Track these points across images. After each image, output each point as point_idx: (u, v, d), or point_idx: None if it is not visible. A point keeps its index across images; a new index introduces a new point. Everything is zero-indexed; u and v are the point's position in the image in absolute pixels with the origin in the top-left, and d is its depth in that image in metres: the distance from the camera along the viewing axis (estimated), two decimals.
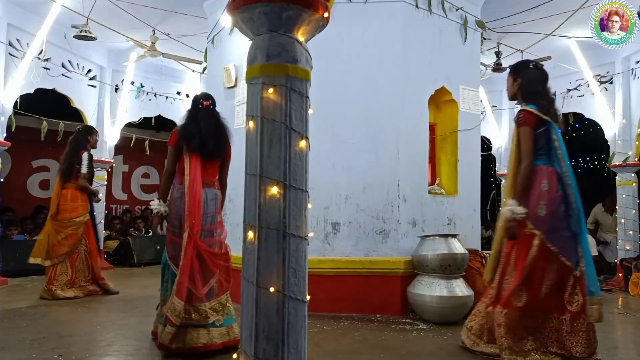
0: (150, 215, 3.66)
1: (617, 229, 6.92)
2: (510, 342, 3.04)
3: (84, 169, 5.26)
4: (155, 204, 3.39)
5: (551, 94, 3.34)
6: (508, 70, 3.48)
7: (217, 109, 3.55)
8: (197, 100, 3.51)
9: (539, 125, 3.19)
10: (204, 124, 3.36)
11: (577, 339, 3.02)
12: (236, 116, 5.21)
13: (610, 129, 6.92)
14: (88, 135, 5.50)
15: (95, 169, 6.54)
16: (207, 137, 3.33)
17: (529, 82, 3.30)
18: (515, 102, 3.41)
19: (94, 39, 6.06)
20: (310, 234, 1.66)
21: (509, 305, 3.07)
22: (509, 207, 3.11)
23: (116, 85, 8.03)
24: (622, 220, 6.71)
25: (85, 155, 5.31)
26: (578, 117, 7.80)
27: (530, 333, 3.06)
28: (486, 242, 8.84)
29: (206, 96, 3.55)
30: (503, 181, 8.92)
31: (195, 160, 3.30)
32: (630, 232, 6.61)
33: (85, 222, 5.36)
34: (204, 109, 3.45)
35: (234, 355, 1.66)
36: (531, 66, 3.39)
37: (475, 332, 3.33)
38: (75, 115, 7.68)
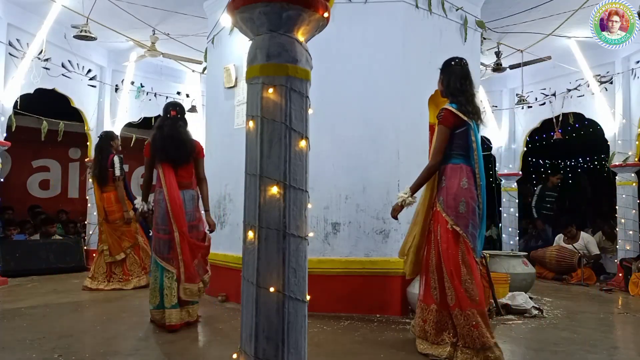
0: (147, 214, 4.16)
1: (618, 240, 6.93)
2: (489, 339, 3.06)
3: (117, 172, 5.66)
4: (138, 202, 3.96)
5: (472, 90, 3.35)
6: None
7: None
8: (166, 109, 3.95)
9: (458, 125, 3.23)
10: (168, 135, 3.81)
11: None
12: (236, 116, 5.21)
13: (610, 129, 6.92)
14: (110, 141, 5.86)
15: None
16: (171, 149, 3.78)
17: (449, 79, 3.34)
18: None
19: (94, 39, 6.05)
20: (310, 234, 1.66)
21: (477, 304, 3.10)
22: (402, 194, 3.28)
23: (116, 85, 8.03)
24: (622, 220, 6.71)
25: (116, 159, 5.70)
26: (578, 117, 7.80)
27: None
28: (486, 242, 8.85)
29: (174, 105, 3.97)
30: (503, 181, 8.92)
31: (168, 169, 3.76)
32: (630, 232, 6.61)
33: (132, 217, 5.77)
34: (170, 118, 3.88)
35: (234, 355, 1.66)
36: (452, 63, 3.41)
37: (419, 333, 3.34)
38: (75, 115, 7.69)
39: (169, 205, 3.69)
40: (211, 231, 4.02)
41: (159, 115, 8.90)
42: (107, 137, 5.89)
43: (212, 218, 4.07)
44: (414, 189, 3.31)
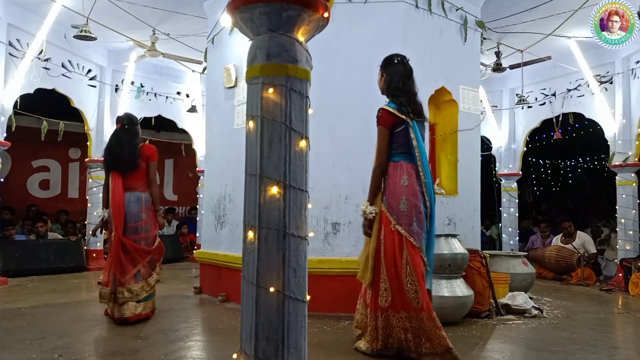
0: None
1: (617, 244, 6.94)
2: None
3: None
4: (99, 211, 4.22)
5: (414, 89, 3.29)
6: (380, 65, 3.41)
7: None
8: (115, 123, 4.31)
9: (397, 124, 3.18)
10: (109, 146, 4.19)
11: (430, 337, 2.99)
12: (236, 116, 5.21)
13: (610, 129, 6.92)
14: None
15: (95, 170, 6.63)
16: (112, 159, 4.10)
17: (392, 77, 3.26)
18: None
19: (94, 39, 6.06)
20: (310, 234, 1.65)
21: (419, 308, 3.05)
22: (362, 207, 3.21)
23: (116, 85, 8.03)
24: (622, 220, 6.71)
25: None
26: (578, 117, 7.80)
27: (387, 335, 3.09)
28: (486, 242, 8.85)
29: (119, 119, 4.26)
30: (503, 181, 8.92)
31: (116, 174, 4.06)
32: (630, 232, 6.61)
33: None
34: (115, 132, 4.24)
35: (234, 355, 1.66)
36: (396, 61, 3.33)
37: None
38: (75, 115, 7.69)
39: (111, 209, 3.98)
40: (160, 229, 4.30)
41: (159, 116, 9.02)
42: None
43: (162, 218, 4.31)
44: (371, 198, 3.22)
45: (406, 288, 3.04)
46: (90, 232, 4.23)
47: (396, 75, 3.27)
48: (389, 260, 3.09)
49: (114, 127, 7.77)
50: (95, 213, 4.14)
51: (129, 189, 4.05)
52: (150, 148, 4.24)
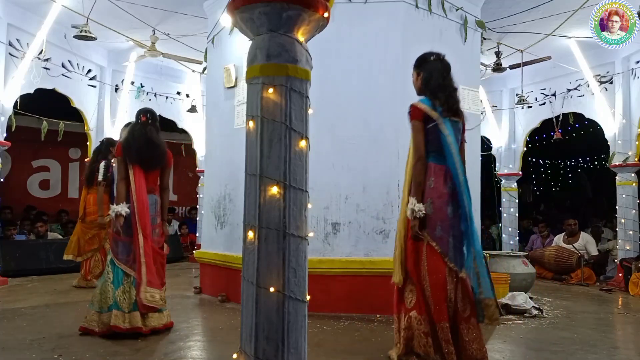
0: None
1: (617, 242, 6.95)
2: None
3: (100, 177, 5.65)
4: (118, 207, 3.72)
5: (453, 86, 3.17)
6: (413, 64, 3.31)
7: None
8: (137, 115, 4.02)
9: (428, 119, 3.05)
10: (138, 138, 3.85)
11: (474, 346, 2.88)
12: (236, 116, 5.21)
13: (610, 129, 6.92)
14: (110, 147, 5.83)
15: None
16: (141, 150, 3.81)
17: (431, 74, 3.17)
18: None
19: (94, 39, 6.06)
20: (310, 234, 1.66)
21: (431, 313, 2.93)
22: (410, 205, 3.00)
23: (116, 85, 8.03)
24: (622, 220, 6.71)
25: (102, 164, 5.68)
26: (578, 117, 7.80)
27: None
28: (487, 242, 8.85)
29: (144, 111, 4.04)
30: (503, 181, 8.92)
31: (138, 171, 3.78)
32: (630, 232, 6.61)
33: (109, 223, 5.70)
34: (141, 123, 3.95)
35: (234, 355, 1.66)
36: (432, 58, 3.25)
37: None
38: (75, 115, 7.69)
39: (136, 207, 3.68)
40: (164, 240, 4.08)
41: (159, 116, 9.00)
42: (107, 143, 5.94)
43: (167, 229, 4.11)
44: (418, 195, 3.00)
45: (426, 292, 2.96)
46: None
47: (435, 71, 3.17)
48: (412, 263, 3.01)
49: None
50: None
51: (147, 191, 3.81)
52: (170, 152, 4.06)
